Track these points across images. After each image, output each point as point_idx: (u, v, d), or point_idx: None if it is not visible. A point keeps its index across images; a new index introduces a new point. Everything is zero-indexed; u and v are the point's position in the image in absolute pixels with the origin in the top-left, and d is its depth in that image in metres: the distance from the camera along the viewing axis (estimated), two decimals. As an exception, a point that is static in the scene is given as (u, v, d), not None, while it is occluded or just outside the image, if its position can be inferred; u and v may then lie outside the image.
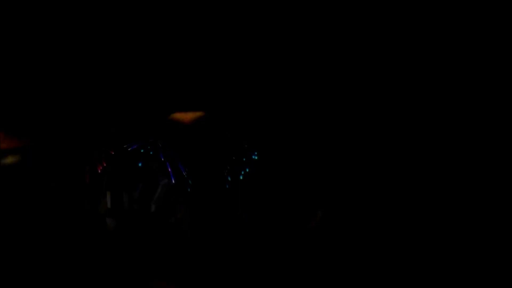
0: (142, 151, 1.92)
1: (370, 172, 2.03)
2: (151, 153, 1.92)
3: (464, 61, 2.03)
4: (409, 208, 2.01)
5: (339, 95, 2.05)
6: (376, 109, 2.05)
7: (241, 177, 1.94)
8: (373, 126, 2.04)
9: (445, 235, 2.00)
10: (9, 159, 1.88)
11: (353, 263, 1.97)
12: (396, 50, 2.04)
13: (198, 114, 1.96)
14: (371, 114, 2.05)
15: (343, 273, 1.96)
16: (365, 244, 1.99)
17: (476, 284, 1.95)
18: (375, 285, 1.96)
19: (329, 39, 2.03)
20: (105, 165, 1.91)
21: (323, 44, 2.03)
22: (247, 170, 1.95)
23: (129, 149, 1.91)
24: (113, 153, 1.90)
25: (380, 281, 1.96)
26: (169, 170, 1.91)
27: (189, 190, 1.91)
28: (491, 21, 2.01)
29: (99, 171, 1.91)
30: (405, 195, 2.01)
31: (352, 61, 2.04)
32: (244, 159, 1.96)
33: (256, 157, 1.96)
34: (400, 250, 1.99)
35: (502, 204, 2.00)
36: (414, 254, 1.98)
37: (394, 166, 2.03)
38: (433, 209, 2.01)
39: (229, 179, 1.93)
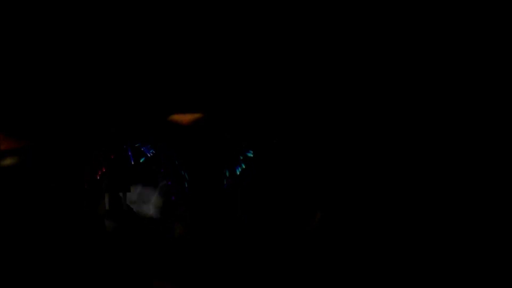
0: (141, 151, 1.92)
1: (370, 173, 2.03)
2: (149, 154, 1.92)
3: (464, 61, 2.03)
4: (409, 209, 2.01)
5: (338, 95, 2.04)
6: (376, 109, 2.04)
7: (240, 178, 1.94)
8: (373, 127, 2.04)
9: (445, 236, 1.99)
10: (9, 160, 1.88)
11: (353, 263, 1.97)
12: (396, 50, 2.03)
13: (196, 115, 1.96)
14: (371, 114, 2.04)
15: (343, 274, 1.96)
16: (365, 245, 1.99)
17: (476, 284, 1.95)
18: (375, 285, 1.96)
19: (328, 40, 2.02)
20: (104, 167, 1.91)
21: (322, 45, 2.03)
22: (246, 171, 1.95)
23: (128, 153, 1.92)
24: (112, 157, 1.91)
25: (380, 281, 1.96)
26: (168, 171, 1.91)
27: (188, 191, 1.91)
28: (491, 21, 2.00)
29: (98, 173, 1.91)
30: (405, 196, 2.01)
31: (352, 61, 2.03)
32: (243, 160, 1.96)
33: (251, 155, 1.96)
34: (400, 250, 1.99)
35: (502, 204, 2.00)
36: (414, 254, 1.98)
37: (394, 167, 2.03)
38: (433, 210, 2.01)
39: (228, 180, 1.94)
